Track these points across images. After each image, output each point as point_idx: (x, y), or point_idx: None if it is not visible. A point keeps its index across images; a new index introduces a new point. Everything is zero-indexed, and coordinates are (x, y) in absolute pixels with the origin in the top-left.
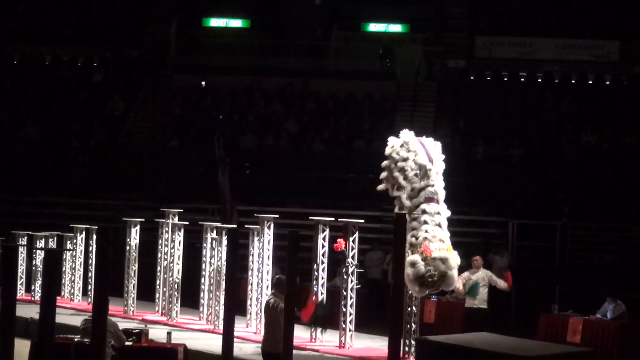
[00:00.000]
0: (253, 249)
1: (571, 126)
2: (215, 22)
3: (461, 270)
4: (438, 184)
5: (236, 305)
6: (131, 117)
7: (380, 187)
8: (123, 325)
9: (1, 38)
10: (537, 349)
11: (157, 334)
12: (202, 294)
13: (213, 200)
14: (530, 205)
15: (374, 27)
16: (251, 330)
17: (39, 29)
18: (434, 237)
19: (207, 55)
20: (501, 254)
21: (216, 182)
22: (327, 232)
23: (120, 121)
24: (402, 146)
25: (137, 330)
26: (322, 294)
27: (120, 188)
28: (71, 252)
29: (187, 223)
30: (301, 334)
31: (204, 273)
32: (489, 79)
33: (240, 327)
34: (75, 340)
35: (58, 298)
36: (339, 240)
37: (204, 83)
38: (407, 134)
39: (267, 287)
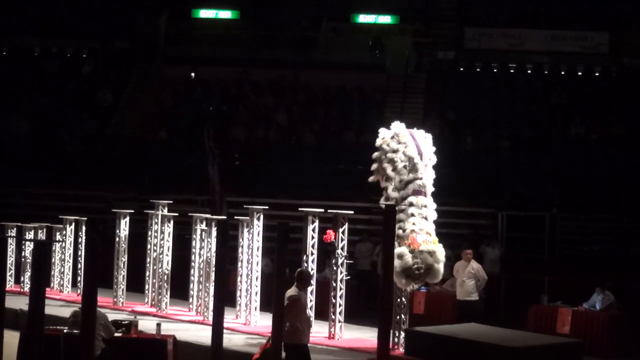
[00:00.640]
0: (242, 240)
1: (560, 117)
2: (205, 13)
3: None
4: (426, 177)
5: (225, 296)
6: (120, 108)
7: (371, 179)
8: (112, 316)
9: None
10: (526, 339)
11: (147, 325)
12: (191, 285)
13: (202, 192)
14: (519, 196)
15: (363, 19)
16: (240, 321)
17: (28, 20)
18: (421, 229)
19: (196, 46)
20: (492, 245)
21: (205, 173)
22: (317, 223)
23: (109, 112)
24: (392, 137)
25: (126, 321)
26: (311, 285)
27: (109, 179)
28: (60, 243)
29: (177, 214)
30: None
31: (193, 264)
32: (478, 70)
33: (229, 318)
34: (65, 331)
35: (47, 289)
36: (328, 231)
37: (193, 74)
38: (397, 126)
39: (257, 278)
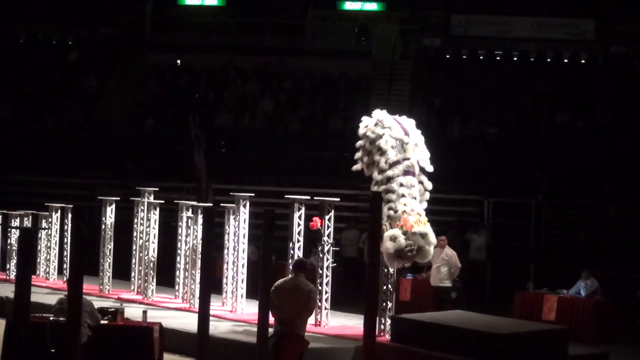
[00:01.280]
0: (228, 227)
1: (546, 104)
2: (191, 0)
3: None
4: (415, 157)
5: (212, 284)
6: (106, 95)
7: (355, 167)
8: (98, 303)
9: None
10: (512, 326)
11: (133, 313)
12: (177, 273)
13: (188, 179)
14: (506, 183)
15: (350, 6)
16: (227, 308)
17: (13, 7)
18: (412, 210)
19: (182, 33)
20: (478, 232)
21: (192, 160)
22: (303, 211)
23: (95, 100)
24: (376, 124)
25: (112, 309)
26: None
27: (95, 166)
28: (46, 230)
29: (163, 201)
30: None
31: (179, 251)
32: (464, 57)
33: (215, 306)
34: (51, 318)
35: (33, 277)
36: (314, 218)
37: (179, 61)
38: (379, 113)
39: (243, 266)
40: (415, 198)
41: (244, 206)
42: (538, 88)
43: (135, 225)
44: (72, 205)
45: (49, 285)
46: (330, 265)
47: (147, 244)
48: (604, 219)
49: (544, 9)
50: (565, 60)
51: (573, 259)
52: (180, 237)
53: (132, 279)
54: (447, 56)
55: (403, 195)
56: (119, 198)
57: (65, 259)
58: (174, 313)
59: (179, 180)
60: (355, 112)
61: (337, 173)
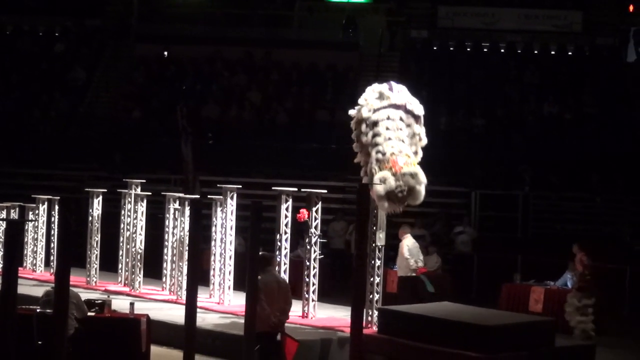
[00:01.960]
0: (216, 219)
1: (533, 96)
2: None
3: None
4: (401, 99)
5: (199, 276)
6: (93, 86)
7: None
8: (85, 295)
9: None
10: (499, 318)
11: (120, 305)
12: (164, 264)
13: (175, 171)
14: (493, 175)
15: None
16: (214, 300)
17: None
18: (400, 151)
19: (169, 24)
20: (463, 225)
21: (179, 152)
22: (290, 202)
23: (82, 91)
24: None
25: (99, 301)
26: (284, 263)
27: (82, 158)
28: (33, 222)
29: (150, 193)
30: None
31: (166, 243)
32: (451, 49)
33: (203, 297)
34: (38, 311)
35: (20, 269)
36: (301, 210)
37: (166, 53)
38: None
39: (230, 257)
40: (403, 141)
41: (231, 198)
42: (525, 80)
43: (123, 217)
44: (59, 197)
45: (35, 278)
46: (318, 257)
47: (134, 235)
48: (591, 210)
49: (531, 0)
50: (552, 52)
51: (560, 250)
52: (167, 229)
53: (120, 271)
54: (434, 48)
55: (390, 139)
56: (106, 190)
57: (52, 251)
58: (161, 305)
59: (166, 172)
60: (342, 104)
61: (325, 165)
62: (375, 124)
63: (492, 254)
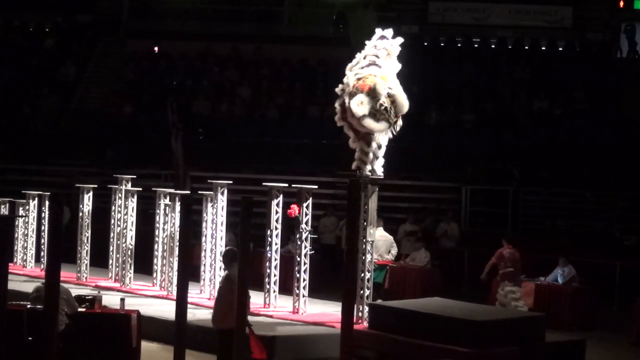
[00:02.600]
0: (206, 214)
1: (524, 92)
2: None
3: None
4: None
5: (189, 271)
6: (83, 82)
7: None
8: (76, 291)
9: None
10: (490, 313)
11: (110, 300)
12: (155, 260)
13: (166, 166)
14: (483, 170)
15: None
16: (204, 296)
17: None
18: (365, 76)
19: (160, 20)
20: (447, 221)
21: (169, 148)
22: (281, 198)
23: (72, 87)
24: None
25: (90, 297)
26: (275, 259)
27: (73, 154)
28: (23, 218)
29: (140, 189)
30: (254, 299)
31: (157, 239)
32: (442, 44)
33: (193, 293)
34: (28, 307)
35: (10, 264)
36: (292, 206)
37: (156, 48)
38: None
39: (221, 253)
40: (380, 66)
41: (222, 193)
42: (515, 75)
43: (113, 213)
44: (49, 193)
45: (26, 273)
46: (308, 252)
47: (124, 231)
48: (581, 206)
49: None
50: (543, 48)
51: (550, 246)
52: (157, 225)
53: (110, 267)
54: (425, 43)
55: (357, 73)
56: (96, 186)
57: (42, 246)
58: (152, 300)
59: (156, 168)
60: (333, 99)
61: (315, 160)
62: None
63: (482, 250)
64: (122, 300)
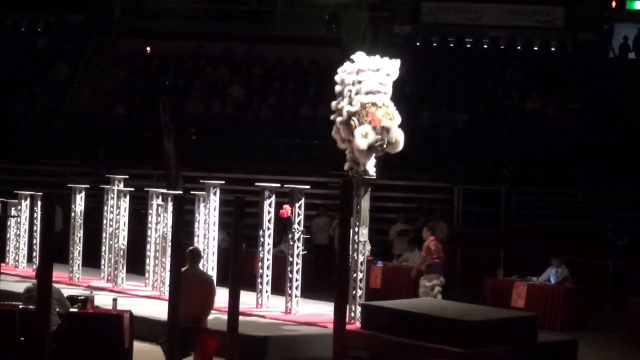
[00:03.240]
0: (199, 214)
1: (516, 92)
2: None
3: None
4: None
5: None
6: (75, 82)
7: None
8: (68, 291)
9: None
10: (482, 313)
11: (103, 300)
12: (147, 260)
13: (158, 166)
14: (475, 170)
15: None
16: None
17: None
18: (383, 104)
19: (152, 20)
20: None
21: (161, 148)
22: (273, 198)
23: (65, 86)
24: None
25: (82, 297)
26: (267, 259)
27: (65, 154)
28: (15, 218)
29: (133, 189)
30: (246, 300)
31: (149, 239)
32: (434, 44)
33: None
34: (20, 307)
35: (2, 265)
36: (284, 206)
37: (148, 48)
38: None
39: (213, 253)
40: (386, 93)
41: (214, 194)
42: (508, 75)
43: (105, 213)
44: (41, 193)
45: (18, 273)
46: (301, 252)
47: (117, 231)
48: (574, 206)
49: None
50: (535, 48)
51: (543, 246)
52: (150, 225)
53: (102, 267)
54: (417, 43)
55: (370, 92)
56: (88, 185)
57: (34, 247)
58: (144, 301)
59: (148, 168)
60: (325, 99)
61: (308, 160)
62: (357, 82)
63: (475, 250)
64: (115, 300)
